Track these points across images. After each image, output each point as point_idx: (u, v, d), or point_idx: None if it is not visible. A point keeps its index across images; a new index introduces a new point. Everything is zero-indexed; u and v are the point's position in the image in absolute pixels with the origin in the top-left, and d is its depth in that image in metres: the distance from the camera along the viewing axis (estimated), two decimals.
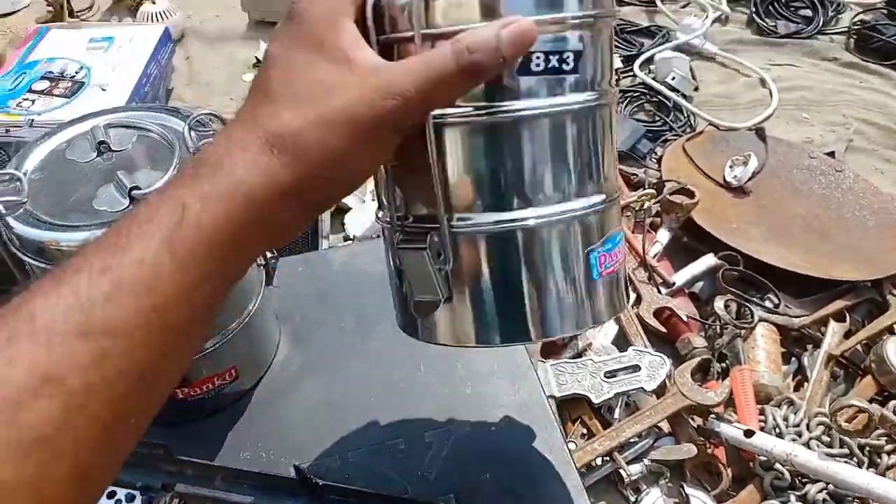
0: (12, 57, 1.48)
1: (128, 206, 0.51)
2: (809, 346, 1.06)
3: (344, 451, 0.62)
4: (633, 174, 1.37)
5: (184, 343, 0.34)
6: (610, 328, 1.07)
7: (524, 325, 0.43)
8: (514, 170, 0.41)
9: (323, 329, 0.73)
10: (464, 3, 0.38)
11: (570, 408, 0.96)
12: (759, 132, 1.44)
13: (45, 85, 1.40)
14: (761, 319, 1.07)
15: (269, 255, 0.65)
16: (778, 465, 0.88)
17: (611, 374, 0.96)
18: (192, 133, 0.55)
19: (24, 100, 1.37)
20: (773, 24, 1.82)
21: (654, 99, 1.58)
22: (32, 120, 1.26)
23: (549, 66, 0.39)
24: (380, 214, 0.47)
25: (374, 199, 1.22)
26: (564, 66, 0.40)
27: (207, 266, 0.33)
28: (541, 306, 0.43)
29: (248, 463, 0.62)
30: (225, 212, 0.33)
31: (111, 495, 0.59)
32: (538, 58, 0.39)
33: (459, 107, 0.39)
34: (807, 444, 0.89)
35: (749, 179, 1.32)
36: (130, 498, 0.59)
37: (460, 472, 0.61)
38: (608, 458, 0.90)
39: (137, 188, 0.52)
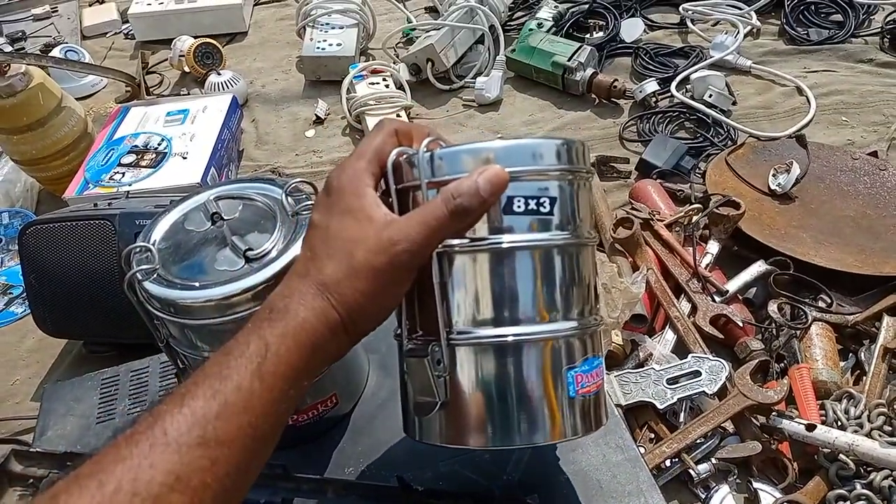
0: (100, 136, 1.64)
1: (243, 266, 0.62)
2: (866, 342, 1.10)
3: (435, 462, 0.70)
4: (679, 190, 1.43)
5: (269, 445, 0.45)
6: (669, 338, 1.13)
7: (506, 431, 0.50)
8: (501, 293, 0.49)
9: None
10: (457, 158, 0.49)
11: (637, 415, 1.02)
12: (800, 139, 1.49)
13: (132, 158, 1.55)
14: (815, 319, 1.12)
15: None
16: (842, 456, 0.92)
17: (673, 381, 1.02)
18: (289, 199, 0.66)
19: (116, 173, 1.51)
20: (805, 32, 1.87)
21: (694, 117, 1.64)
22: (128, 192, 1.40)
23: (529, 207, 0.48)
24: (396, 331, 0.55)
25: None
26: (542, 209, 0.48)
27: (285, 386, 0.44)
28: (522, 416, 0.49)
29: (352, 477, 0.71)
30: (295, 346, 0.45)
31: None
32: (519, 201, 0.48)
33: (459, 239, 0.49)
34: (868, 435, 0.93)
35: (793, 186, 1.36)
36: None
37: (540, 474, 0.69)
38: (677, 460, 0.96)
39: (251, 249, 0.62)
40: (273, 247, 0.63)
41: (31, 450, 0.74)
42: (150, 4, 2.19)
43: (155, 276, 0.63)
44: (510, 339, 0.49)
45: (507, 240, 0.48)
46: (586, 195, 0.52)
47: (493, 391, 0.50)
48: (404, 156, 0.51)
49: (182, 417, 0.39)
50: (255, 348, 0.43)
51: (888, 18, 1.83)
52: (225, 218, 0.67)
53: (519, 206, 0.48)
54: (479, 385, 0.50)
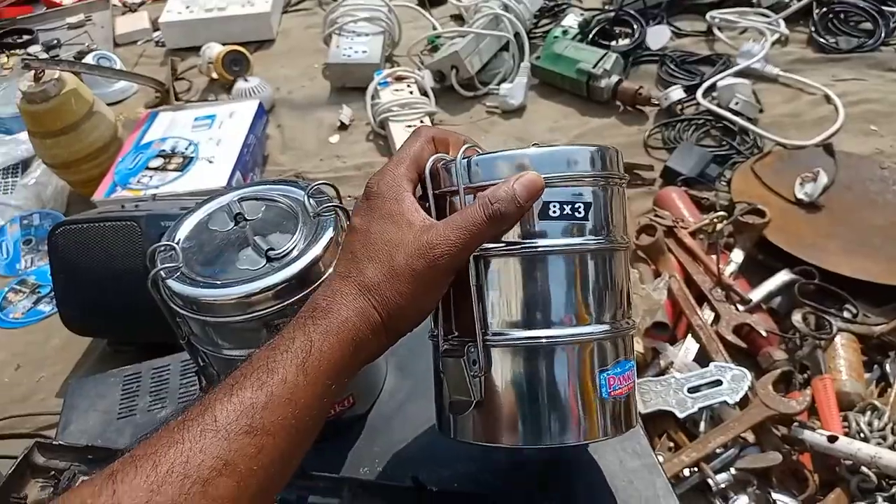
0: (129, 140, 1.68)
1: (265, 265, 0.62)
2: (892, 353, 1.08)
3: (452, 463, 0.70)
4: (704, 198, 1.42)
5: (309, 437, 0.46)
6: (691, 346, 1.12)
7: (539, 431, 0.51)
8: (536, 296, 0.50)
9: (424, 358, 0.82)
10: (493, 165, 0.50)
11: (656, 423, 1.01)
12: (827, 147, 1.47)
13: (159, 162, 1.58)
14: (840, 330, 1.10)
15: None
16: (864, 469, 0.90)
17: (694, 390, 1.01)
18: (311, 200, 0.66)
19: (144, 176, 1.54)
20: (834, 40, 1.84)
21: (720, 124, 1.63)
22: (154, 195, 1.43)
23: (564, 213, 0.49)
24: (431, 332, 0.57)
25: None
26: (577, 214, 0.50)
27: (328, 381, 0.46)
28: (554, 415, 0.51)
29: (368, 476, 0.71)
30: (338, 343, 0.46)
31: None
32: (555, 206, 0.49)
33: (496, 244, 0.50)
34: (892, 447, 0.92)
35: (820, 195, 1.35)
36: None
37: (557, 478, 0.69)
38: (696, 469, 0.95)
39: (272, 249, 0.62)
40: (294, 247, 0.63)
41: (54, 443, 0.75)
42: (180, 13, 2.23)
43: (178, 274, 0.64)
44: (543, 341, 0.50)
45: (542, 244, 0.50)
46: (620, 200, 0.53)
47: (526, 392, 0.51)
48: (442, 162, 0.52)
49: (231, 406, 0.41)
50: (299, 344, 0.45)
51: None
52: (248, 218, 0.67)
53: (554, 212, 0.49)
54: (513, 385, 0.51)
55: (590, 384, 0.51)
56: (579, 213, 0.50)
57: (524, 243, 0.50)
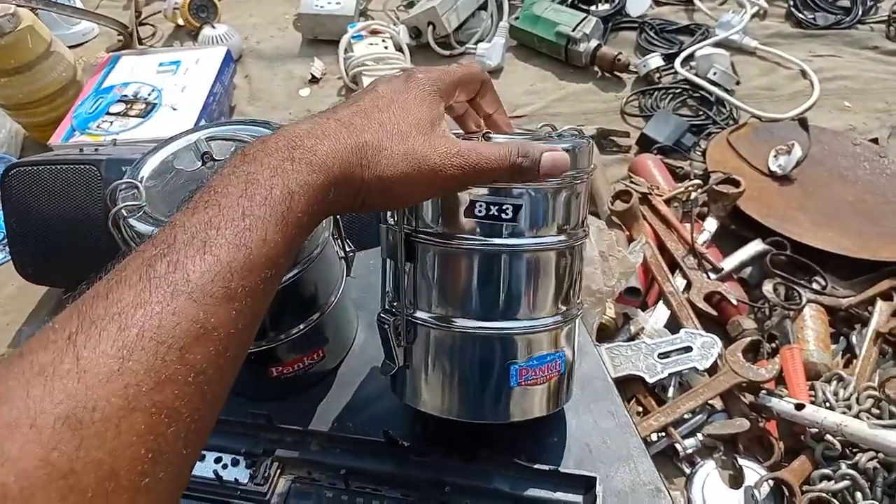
0: (89, 84, 1.60)
1: None
2: (857, 326, 1.09)
3: (422, 418, 0.68)
4: (679, 167, 1.41)
5: (271, 298, 0.42)
6: (662, 312, 1.11)
7: (449, 406, 0.57)
8: (455, 286, 0.53)
9: None
10: None
11: (626, 387, 1.01)
12: (802, 122, 1.47)
13: (121, 107, 1.52)
14: (809, 301, 1.11)
15: (347, 249, 0.73)
16: (829, 437, 0.91)
17: (664, 355, 1.01)
18: None
19: (104, 121, 1.48)
20: (812, 16, 1.84)
21: (697, 94, 1.62)
22: (115, 140, 1.37)
23: (490, 213, 0.50)
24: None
25: None
26: (503, 216, 0.50)
27: (299, 238, 0.42)
28: (462, 396, 0.56)
29: (336, 431, 0.69)
30: (316, 199, 0.42)
31: (218, 460, 0.67)
32: (481, 205, 0.49)
33: (425, 232, 0.52)
34: (857, 417, 0.93)
35: (794, 168, 1.35)
36: (235, 462, 0.66)
37: (531, 436, 0.67)
38: (663, 434, 0.95)
39: None
40: None
41: None
42: None
43: (141, 213, 0.61)
44: (456, 330, 0.54)
45: (464, 240, 0.51)
46: (573, 197, 0.53)
47: (438, 370, 0.56)
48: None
49: (206, 265, 0.36)
50: (279, 196, 0.40)
51: (895, 6, 1.81)
52: (216, 158, 0.64)
53: (480, 211, 0.50)
54: (428, 362, 0.56)
55: (496, 374, 0.54)
56: (506, 214, 0.49)
57: (449, 237, 0.51)
